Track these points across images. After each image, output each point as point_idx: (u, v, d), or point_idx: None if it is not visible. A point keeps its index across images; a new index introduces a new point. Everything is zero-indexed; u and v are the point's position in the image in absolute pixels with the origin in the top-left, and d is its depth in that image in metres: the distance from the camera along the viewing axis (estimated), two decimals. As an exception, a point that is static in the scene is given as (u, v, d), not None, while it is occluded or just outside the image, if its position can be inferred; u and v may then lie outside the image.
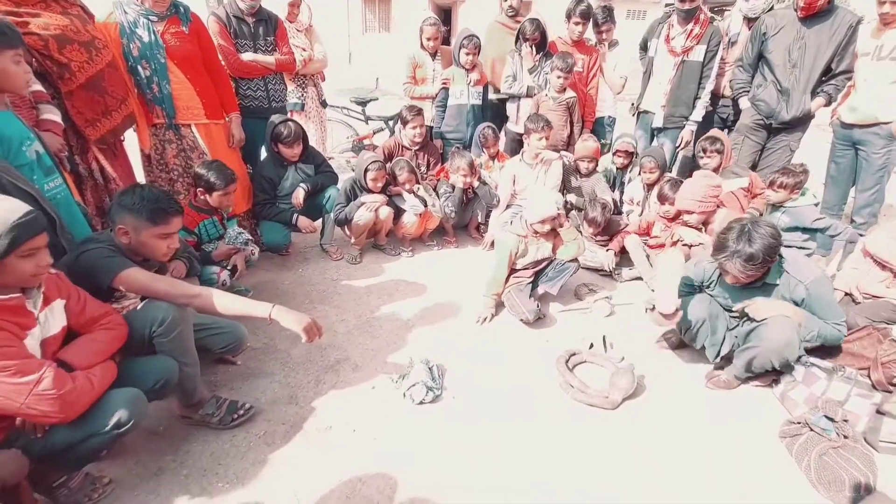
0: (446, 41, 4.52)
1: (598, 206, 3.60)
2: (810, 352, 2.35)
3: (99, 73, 2.52)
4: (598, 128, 4.46)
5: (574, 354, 2.56)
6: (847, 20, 3.31)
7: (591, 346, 2.65)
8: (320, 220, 3.70)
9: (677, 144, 4.18)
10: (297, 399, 2.25)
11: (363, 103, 6.08)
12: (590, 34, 4.30)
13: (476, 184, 3.79)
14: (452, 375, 2.45)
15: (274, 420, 2.12)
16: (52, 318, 1.57)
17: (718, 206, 3.19)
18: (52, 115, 2.29)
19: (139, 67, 2.82)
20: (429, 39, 4.07)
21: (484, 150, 4.12)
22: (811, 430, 2.02)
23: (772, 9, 3.81)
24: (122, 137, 2.86)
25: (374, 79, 7.82)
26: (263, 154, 3.71)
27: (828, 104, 3.56)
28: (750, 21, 3.91)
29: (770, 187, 3.30)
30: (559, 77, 3.85)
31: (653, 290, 3.26)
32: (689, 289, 2.54)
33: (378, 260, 3.71)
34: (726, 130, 4.36)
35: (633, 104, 4.52)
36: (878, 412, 2.14)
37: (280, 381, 2.36)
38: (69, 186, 2.16)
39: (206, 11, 3.52)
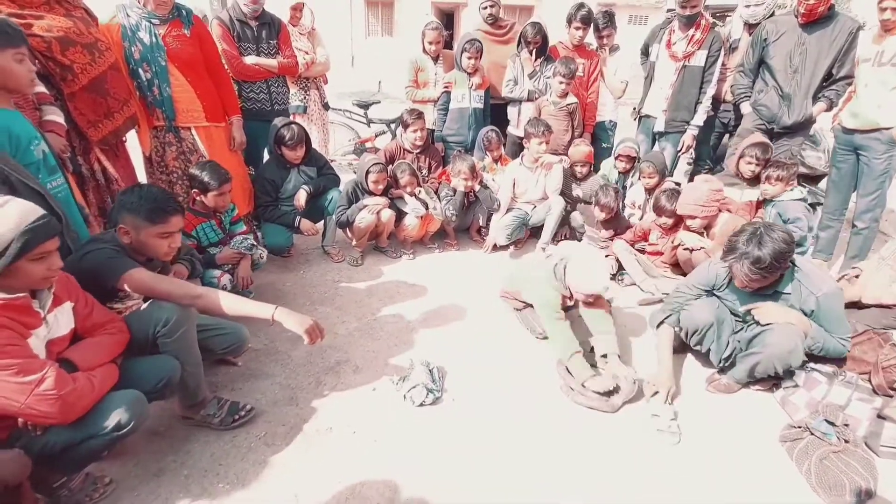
0: (448, 45, 4.54)
1: (611, 190, 3.62)
2: (811, 357, 2.35)
3: (101, 74, 2.54)
4: (600, 132, 4.47)
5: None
6: (847, 26, 3.33)
7: (592, 349, 2.65)
8: (322, 221, 3.72)
9: (679, 149, 4.19)
10: (298, 400, 2.26)
11: (365, 106, 6.11)
12: (591, 39, 4.31)
13: (477, 187, 3.81)
14: (453, 378, 2.46)
15: (275, 421, 2.12)
16: (61, 320, 1.58)
17: (720, 211, 3.20)
18: (55, 116, 2.31)
19: (140, 70, 2.84)
20: (430, 43, 4.09)
21: (487, 153, 4.14)
22: (812, 434, 2.02)
23: (773, 15, 3.83)
24: (124, 139, 2.87)
25: (376, 82, 7.85)
26: (266, 156, 3.73)
27: (829, 109, 3.58)
28: (751, 27, 3.94)
29: (766, 182, 3.31)
30: (561, 82, 3.87)
31: (645, 291, 3.29)
32: (700, 292, 2.51)
33: (379, 262, 3.71)
34: (727, 135, 4.38)
35: (634, 108, 4.54)
36: (879, 416, 2.13)
37: (281, 382, 2.37)
38: (71, 187, 2.18)
39: (210, 15, 3.54)
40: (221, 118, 3.23)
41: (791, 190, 3.30)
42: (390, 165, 3.72)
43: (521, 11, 18.01)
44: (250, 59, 3.48)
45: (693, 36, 3.83)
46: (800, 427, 2.09)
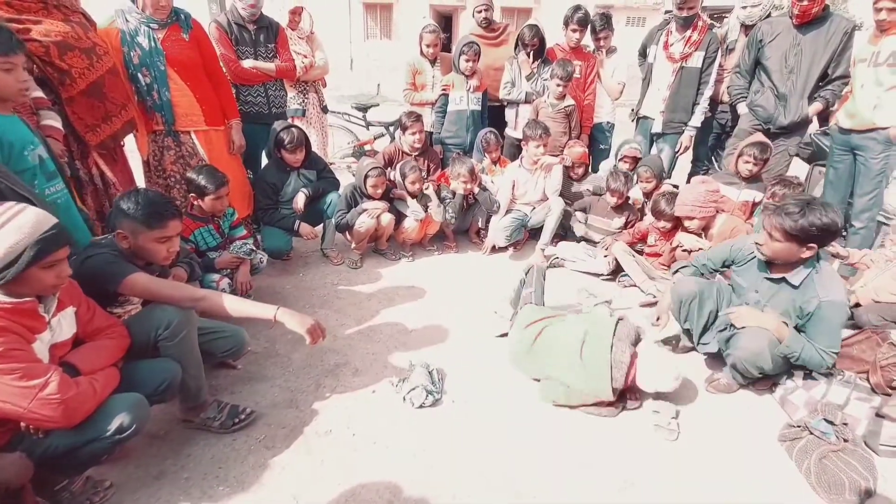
0: (446, 48, 4.56)
1: (621, 175, 3.64)
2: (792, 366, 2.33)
3: (99, 79, 2.54)
4: (597, 133, 4.48)
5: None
6: (842, 27, 3.36)
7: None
8: (321, 225, 3.72)
9: (676, 150, 4.21)
10: (298, 403, 2.26)
11: (364, 109, 6.13)
12: (588, 41, 4.33)
13: (476, 190, 3.81)
14: (452, 379, 2.46)
15: (274, 424, 2.13)
16: (64, 324, 1.59)
17: (718, 212, 3.21)
18: (53, 121, 2.31)
19: (139, 75, 2.85)
20: (428, 46, 4.11)
21: (486, 154, 4.15)
22: (811, 433, 2.02)
23: (769, 16, 3.85)
24: (122, 143, 2.88)
25: (375, 85, 7.88)
26: (265, 159, 3.73)
27: (825, 108, 3.60)
28: (747, 28, 3.96)
29: (771, 199, 3.31)
30: (558, 85, 3.88)
31: (646, 293, 3.30)
32: (704, 269, 2.64)
33: (378, 265, 3.72)
34: (725, 136, 4.39)
35: (633, 110, 4.55)
36: (878, 415, 2.14)
37: (280, 385, 2.37)
38: (71, 191, 2.18)
39: (208, 18, 3.55)
40: (221, 122, 3.24)
41: None
42: (389, 168, 3.73)
43: (519, 13, 18.08)
44: (248, 63, 3.50)
45: (690, 37, 3.85)
46: (799, 426, 2.10)
